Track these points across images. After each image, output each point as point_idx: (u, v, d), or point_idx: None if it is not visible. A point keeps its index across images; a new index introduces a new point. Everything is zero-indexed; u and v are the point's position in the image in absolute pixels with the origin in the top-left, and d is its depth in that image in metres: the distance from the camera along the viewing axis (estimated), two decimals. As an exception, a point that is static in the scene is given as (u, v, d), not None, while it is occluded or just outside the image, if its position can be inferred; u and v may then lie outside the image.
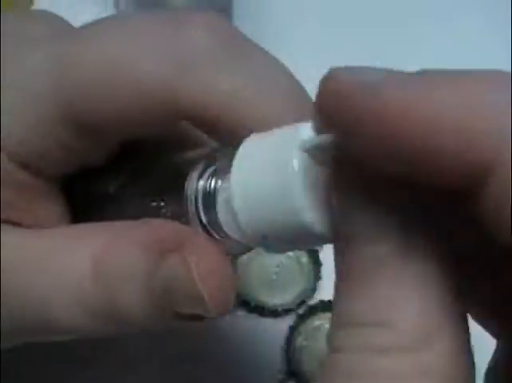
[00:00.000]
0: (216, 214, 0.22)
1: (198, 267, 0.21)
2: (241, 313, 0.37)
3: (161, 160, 0.25)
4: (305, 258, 0.38)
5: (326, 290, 0.37)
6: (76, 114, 0.23)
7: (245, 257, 0.38)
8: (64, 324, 0.23)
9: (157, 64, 0.22)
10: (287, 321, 0.36)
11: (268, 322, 0.37)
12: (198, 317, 0.23)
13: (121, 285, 0.22)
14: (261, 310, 0.36)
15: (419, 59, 0.46)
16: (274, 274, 0.38)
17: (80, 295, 0.22)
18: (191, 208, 0.22)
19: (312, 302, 0.37)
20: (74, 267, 0.22)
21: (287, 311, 0.36)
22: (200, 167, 0.22)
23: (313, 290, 0.37)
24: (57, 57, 0.23)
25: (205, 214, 0.22)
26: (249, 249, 0.24)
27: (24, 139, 0.23)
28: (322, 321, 0.36)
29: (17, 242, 0.23)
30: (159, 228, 0.22)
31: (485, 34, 0.47)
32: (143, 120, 0.23)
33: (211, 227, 0.22)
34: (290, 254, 0.38)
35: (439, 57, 0.46)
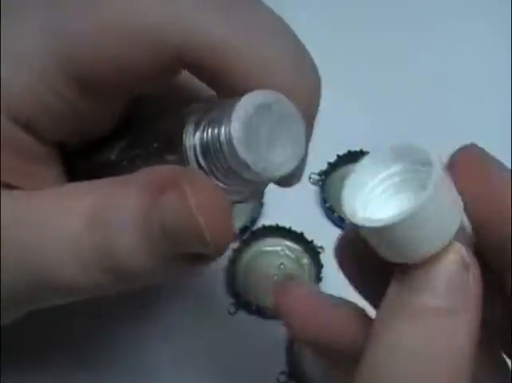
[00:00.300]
0: (217, 159, 0.21)
1: (195, 199, 0.20)
2: (242, 314, 0.37)
3: (159, 120, 0.25)
4: (305, 260, 0.38)
5: (327, 292, 0.37)
6: (76, 67, 0.23)
7: (246, 258, 0.38)
8: (65, 281, 0.22)
9: (151, 7, 0.22)
10: (288, 323, 0.36)
11: (269, 324, 0.37)
12: (199, 259, 0.22)
13: (117, 232, 0.21)
14: (263, 312, 0.36)
15: (419, 56, 0.46)
16: (275, 276, 0.38)
17: (78, 249, 0.22)
18: (191, 157, 0.22)
19: (313, 303, 0.37)
20: (71, 223, 0.22)
21: (288, 313, 0.36)
22: (196, 117, 0.22)
23: (314, 291, 0.37)
24: (49, 14, 0.23)
25: (205, 161, 0.22)
26: (247, 198, 0.24)
27: (23, 95, 0.23)
28: (323, 323, 0.36)
29: (13, 205, 0.23)
30: (153, 171, 0.22)
31: (486, 35, 0.47)
32: (142, 67, 0.23)
33: (212, 175, 0.22)
34: (291, 255, 0.38)
35: (439, 56, 0.46)
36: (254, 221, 0.39)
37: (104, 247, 0.22)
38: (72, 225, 0.22)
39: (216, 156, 0.22)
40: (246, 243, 0.38)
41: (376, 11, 0.48)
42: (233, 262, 0.38)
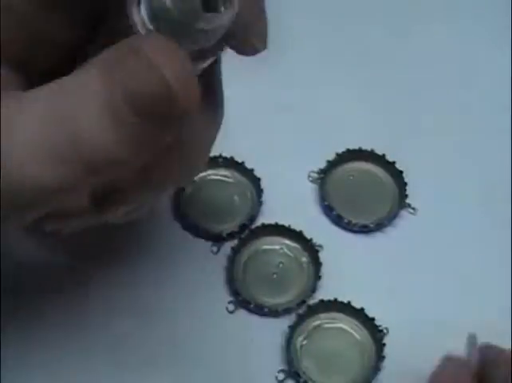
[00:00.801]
0: (164, 19, 0.21)
1: (157, 57, 0.20)
2: (241, 313, 0.37)
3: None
4: (304, 258, 0.38)
5: (326, 290, 0.37)
6: None
7: (244, 257, 0.38)
8: (32, 179, 0.21)
9: None
10: (287, 321, 0.36)
11: (268, 322, 0.37)
12: (168, 121, 0.21)
13: (77, 111, 0.21)
14: (261, 310, 0.36)
15: (420, 56, 0.46)
16: (274, 274, 0.38)
17: (42, 142, 0.21)
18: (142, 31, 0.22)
19: (312, 301, 0.37)
20: (31, 116, 0.21)
21: (287, 311, 0.36)
22: None
23: (313, 289, 0.37)
24: None
25: (154, 26, 0.22)
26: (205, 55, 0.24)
27: None
28: (322, 321, 0.36)
29: None
30: (108, 49, 0.21)
31: (486, 35, 0.47)
32: None
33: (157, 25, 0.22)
34: (290, 254, 0.38)
35: (440, 56, 0.46)
36: (252, 219, 0.39)
37: (66, 131, 0.21)
38: (34, 117, 0.21)
39: (163, 16, 0.21)
40: (244, 242, 0.38)
41: (377, 12, 0.48)
42: (232, 260, 0.38)
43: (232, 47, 0.25)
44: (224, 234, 0.38)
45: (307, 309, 0.36)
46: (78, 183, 0.22)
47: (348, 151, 0.41)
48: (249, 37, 0.26)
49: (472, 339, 0.30)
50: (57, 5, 0.24)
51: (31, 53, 0.25)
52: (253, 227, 0.39)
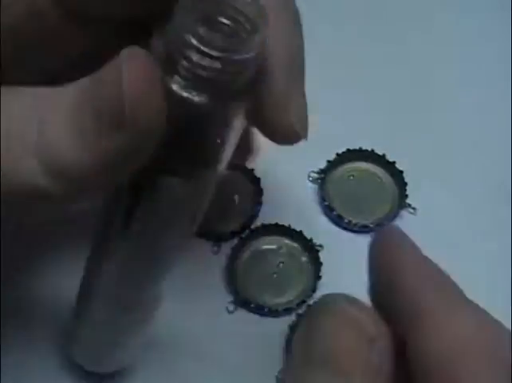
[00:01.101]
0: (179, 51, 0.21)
1: (128, 72, 0.19)
2: (241, 313, 0.37)
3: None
4: (304, 258, 0.38)
5: (326, 290, 0.37)
6: None
7: (245, 257, 0.38)
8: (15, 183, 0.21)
9: None
10: (287, 321, 0.36)
11: (268, 322, 0.37)
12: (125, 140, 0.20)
13: (48, 119, 0.21)
14: (261, 310, 0.36)
15: (420, 56, 0.46)
16: (274, 274, 0.38)
17: (25, 147, 0.21)
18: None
19: (312, 301, 0.37)
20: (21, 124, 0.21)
21: (287, 311, 0.36)
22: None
23: (313, 289, 0.37)
24: None
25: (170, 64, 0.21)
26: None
27: None
28: (322, 321, 0.36)
29: None
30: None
31: (486, 35, 0.47)
32: None
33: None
34: (290, 253, 0.38)
35: (440, 56, 0.46)
36: (252, 219, 0.39)
37: (40, 146, 0.21)
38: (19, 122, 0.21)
39: (178, 50, 0.21)
40: (244, 242, 0.38)
41: (377, 12, 0.48)
42: (232, 260, 0.38)
43: (262, 127, 0.25)
44: (224, 234, 0.38)
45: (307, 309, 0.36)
46: (55, 191, 0.21)
47: (348, 151, 0.41)
48: (286, 114, 0.24)
49: None
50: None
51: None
52: (253, 226, 0.39)
